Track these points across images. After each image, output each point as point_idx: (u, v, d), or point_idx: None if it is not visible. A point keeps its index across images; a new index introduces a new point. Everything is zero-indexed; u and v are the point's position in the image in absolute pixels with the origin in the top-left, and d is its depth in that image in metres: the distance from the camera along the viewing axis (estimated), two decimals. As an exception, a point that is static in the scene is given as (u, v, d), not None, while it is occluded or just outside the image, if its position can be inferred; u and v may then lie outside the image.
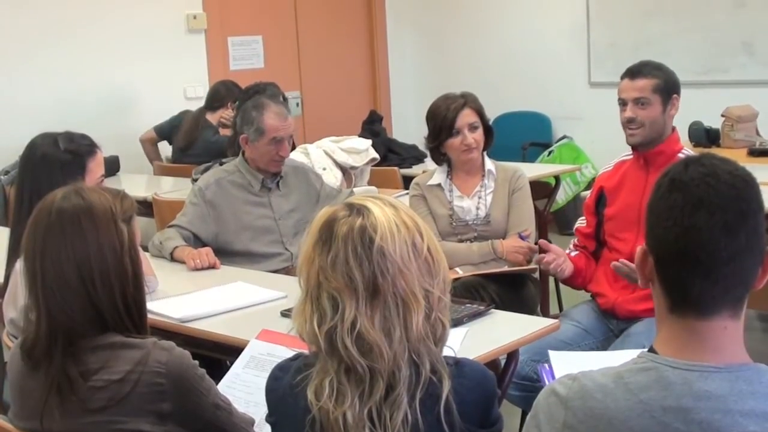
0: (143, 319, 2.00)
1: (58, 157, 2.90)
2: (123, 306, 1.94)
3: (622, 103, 3.25)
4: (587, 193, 3.59)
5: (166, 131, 6.09)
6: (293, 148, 4.90)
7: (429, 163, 5.13)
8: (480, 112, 3.67)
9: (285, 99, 4.82)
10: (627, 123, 3.22)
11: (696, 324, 1.44)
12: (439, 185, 3.75)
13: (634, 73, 3.24)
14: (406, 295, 1.65)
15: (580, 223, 3.47)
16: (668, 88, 3.21)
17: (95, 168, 2.96)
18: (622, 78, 3.27)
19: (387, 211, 1.69)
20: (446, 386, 1.66)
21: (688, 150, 3.34)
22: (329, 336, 1.65)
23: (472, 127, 3.63)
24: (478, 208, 3.70)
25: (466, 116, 3.63)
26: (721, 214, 1.40)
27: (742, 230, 1.41)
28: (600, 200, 3.38)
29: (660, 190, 1.47)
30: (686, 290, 1.44)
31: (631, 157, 3.32)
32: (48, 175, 2.81)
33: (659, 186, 1.47)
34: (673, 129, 3.28)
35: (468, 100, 3.67)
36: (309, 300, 1.69)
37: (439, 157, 3.75)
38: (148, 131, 6.16)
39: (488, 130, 3.71)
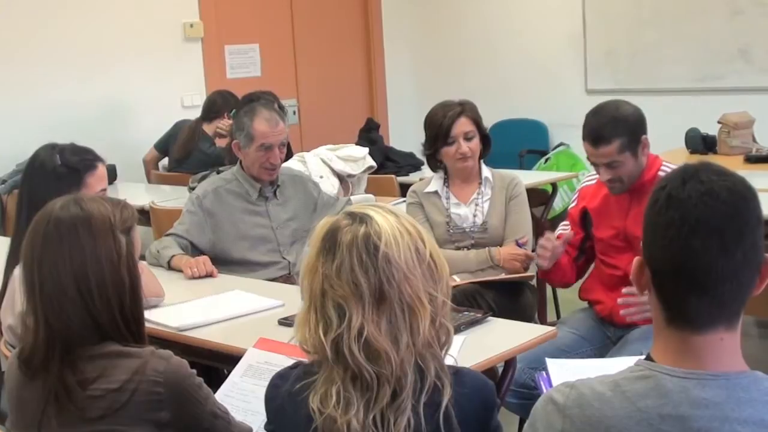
0: (141, 329, 1.99)
1: (53, 170, 2.89)
2: (120, 317, 1.93)
3: (594, 163, 3.15)
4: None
5: (165, 145, 6.08)
6: (290, 155, 4.90)
7: (426, 171, 5.13)
8: (477, 121, 3.68)
9: (282, 108, 4.82)
10: (606, 182, 3.14)
11: (693, 337, 1.44)
12: (435, 192, 3.75)
13: (593, 140, 3.08)
14: (412, 301, 1.66)
15: (563, 229, 3.37)
16: (633, 138, 3.06)
17: (94, 183, 2.93)
18: (584, 137, 3.12)
19: (389, 218, 1.70)
20: (447, 393, 1.66)
21: (667, 164, 3.19)
22: (336, 344, 1.65)
23: (468, 137, 3.64)
24: (475, 216, 3.70)
25: (462, 125, 3.63)
26: (718, 236, 1.39)
27: (739, 250, 1.40)
28: (585, 218, 3.34)
29: (657, 204, 1.45)
30: (682, 306, 1.43)
31: None
32: (44, 187, 2.80)
33: (656, 199, 1.46)
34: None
35: (465, 109, 3.67)
36: (313, 309, 1.69)
37: (436, 164, 3.76)
38: (150, 151, 6.14)
39: (485, 139, 3.72)
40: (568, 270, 3.37)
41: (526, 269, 3.61)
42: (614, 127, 3.06)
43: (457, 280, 3.46)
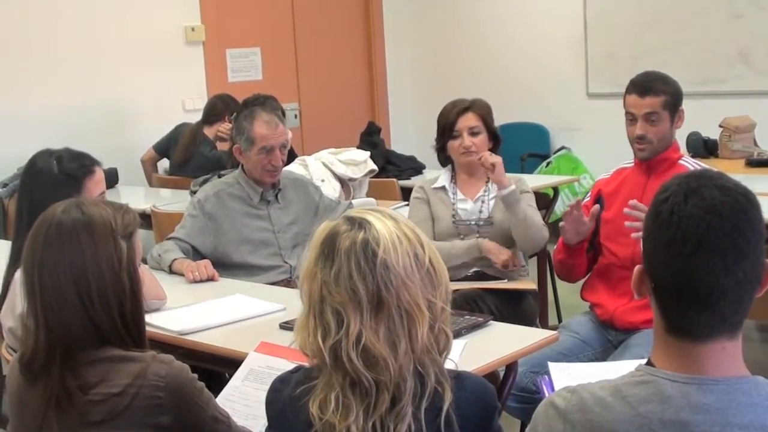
0: (142, 334, 1.99)
1: (53, 178, 2.88)
2: (121, 322, 1.93)
3: (632, 118, 3.22)
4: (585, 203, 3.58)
5: (164, 147, 6.08)
6: (293, 158, 4.90)
7: (427, 175, 5.15)
8: (485, 118, 3.73)
9: (283, 113, 4.81)
10: (637, 139, 3.21)
11: (693, 347, 1.44)
12: (443, 188, 3.79)
13: (643, 90, 3.20)
14: (410, 307, 1.65)
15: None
16: (675, 102, 3.21)
17: (93, 187, 2.93)
18: (629, 92, 3.24)
19: (388, 223, 1.70)
20: (447, 398, 1.66)
21: (687, 158, 3.37)
22: (334, 350, 1.65)
23: (472, 132, 3.69)
24: (480, 211, 3.72)
25: (468, 120, 3.69)
26: (721, 256, 1.39)
27: (741, 268, 1.40)
28: (598, 204, 3.37)
29: (658, 218, 1.44)
30: (683, 319, 1.43)
31: (632, 165, 3.34)
32: (44, 194, 2.79)
33: (658, 213, 1.45)
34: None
35: (473, 106, 3.74)
36: (312, 314, 1.69)
37: (444, 159, 3.81)
38: (147, 151, 6.14)
39: (495, 137, 3.75)
40: (584, 261, 3.39)
41: (506, 267, 3.59)
42: (664, 84, 3.23)
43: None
